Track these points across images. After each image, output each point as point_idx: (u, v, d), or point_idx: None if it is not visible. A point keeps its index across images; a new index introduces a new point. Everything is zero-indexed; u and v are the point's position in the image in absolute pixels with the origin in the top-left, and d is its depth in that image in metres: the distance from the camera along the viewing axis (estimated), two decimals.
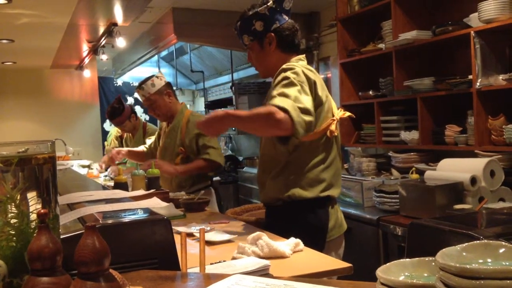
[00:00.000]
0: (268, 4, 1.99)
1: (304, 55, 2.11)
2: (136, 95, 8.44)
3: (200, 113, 3.43)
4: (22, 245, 0.90)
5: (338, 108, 2.09)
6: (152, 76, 3.20)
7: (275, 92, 1.83)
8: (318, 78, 1.99)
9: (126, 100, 8.08)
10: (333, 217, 2.00)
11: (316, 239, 1.88)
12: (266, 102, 1.92)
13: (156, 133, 3.49)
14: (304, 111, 1.78)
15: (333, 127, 1.97)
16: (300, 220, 1.95)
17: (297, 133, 1.76)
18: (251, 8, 2.03)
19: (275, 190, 1.98)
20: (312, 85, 1.92)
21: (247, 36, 2.04)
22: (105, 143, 5.22)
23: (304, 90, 1.85)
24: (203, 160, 2.98)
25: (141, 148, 3.55)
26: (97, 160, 6.38)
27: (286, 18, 2.05)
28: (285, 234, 1.74)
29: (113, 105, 4.44)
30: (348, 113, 2.10)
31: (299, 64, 1.98)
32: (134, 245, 1.11)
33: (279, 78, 1.89)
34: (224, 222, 2.14)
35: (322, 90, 1.96)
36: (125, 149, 3.50)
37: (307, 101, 1.82)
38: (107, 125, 7.60)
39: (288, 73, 1.88)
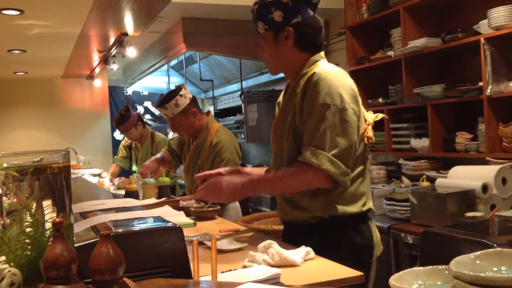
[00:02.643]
0: None
1: (323, 52, 1.85)
2: (146, 104, 8.51)
3: (222, 125, 3.14)
4: (37, 253, 0.91)
5: (367, 111, 1.86)
6: (176, 93, 2.93)
7: (315, 140, 1.62)
8: (352, 83, 1.75)
9: (136, 109, 8.14)
10: (374, 233, 1.82)
11: (363, 259, 1.74)
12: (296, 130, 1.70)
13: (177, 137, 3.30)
14: (344, 157, 1.65)
15: (369, 133, 1.75)
16: (343, 239, 1.74)
17: (344, 184, 1.67)
18: None
19: (315, 210, 1.75)
20: (358, 102, 1.72)
21: (262, 24, 1.75)
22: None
23: (343, 121, 1.65)
24: None
25: (161, 154, 3.31)
26: (107, 169, 6.44)
27: (311, 13, 1.75)
28: (324, 254, 1.59)
29: (120, 112, 4.49)
30: (381, 115, 1.83)
31: (329, 69, 1.72)
32: (147, 254, 1.12)
33: (319, 103, 1.63)
34: (234, 231, 2.14)
35: (359, 99, 1.75)
36: (151, 162, 3.18)
37: (347, 142, 1.65)
38: (117, 134, 7.65)
39: (324, 97, 1.63)
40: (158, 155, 3.25)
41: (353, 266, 1.48)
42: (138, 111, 8.16)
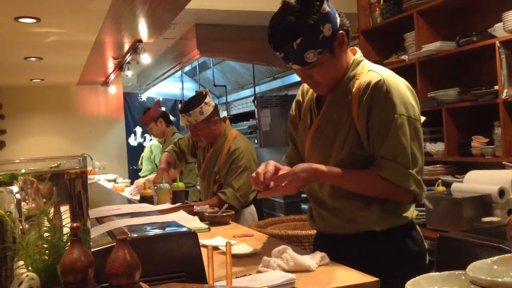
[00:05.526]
0: None
1: (358, 50, 1.74)
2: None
3: (241, 134, 3.11)
4: (54, 258, 0.92)
5: None
6: (201, 101, 2.89)
7: (399, 157, 1.52)
8: (410, 86, 1.65)
9: None
10: (423, 238, 1.75)
11: (419, 266, 1.65)
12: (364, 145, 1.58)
13: (190, 136, 3.22)
14: (422, 172, 1.59)
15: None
16: (399, 248, 1.65)
17: (421, 201, 1.63)
18: (298, 13, 1.50)
19: (368, 223, 1.63)
20: (418, 104, 1.64)
21: (314, 50, 1.52)
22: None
23: (417, 132, 1.58)
24: (218, 199, 2.86)
25: (166, 159, 3.23)
26: (122, 174, 6.50)
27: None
28: (377, 265, 1.51)
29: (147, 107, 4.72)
30: (423, 118, 1.73)
31: (389, 73, 1.60)
32: (162, 258, 1.12)
33: (396, 115, 1.52)
34: (248, 235, 2.14)
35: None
36: (160, 171, 3.13)
37: (422, 155, 1.59)
38: (132, 139, 7.72)
39: (400, 108, 1.52)
40: (164, 164, 3.18)
41: (410, 275, 1.42)
42: None
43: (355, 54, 1.69)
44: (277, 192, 1.58)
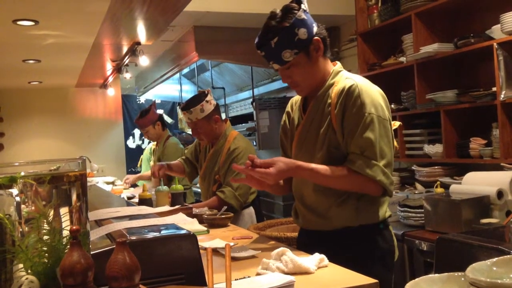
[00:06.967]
0: (302, 6, 1.74)
1: (339, 62, 1.94)
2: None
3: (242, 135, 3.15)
4: (54, 261, 0.92)
5: None
6: (202, 99, 2.95)
7: (367, 151, 1.68)
8: (383, 93, 1.83)
9: None
10: (394, 237, 1.88)
11: (387, 263, 1.81)
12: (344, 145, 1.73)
13: (194, 144, 3.32)
14: (390, 166, 1.74)
15: (395, 142, 1.83)
16: (370, 245, 1.79)
17: (391, 194, 1.76)
18: (278, 19, 1.73)
19: (344, 219, 1.78)
20: (389, 110, 1.79)
21: (290, 50, 1.72)
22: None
23: (387, 130, 1.74)
24: (217, 199, 2.87)
25: (177, 161, 3.35)
26: (120, 176, 6.50)
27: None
28: (348, 261, 1.58)
29: (143, 108, 4.66)
30: (398, 123, 1.91)
31: (363, 80, 1.79)
32: (162, 261, 1.12)
33: (366, 113, 1.69)
34: (247, 238, 2.14)
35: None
36: (165, 163, 3.24)
37: (391, 151, 1.75)
38: (130, 142, 7.70)
39: (369, 108, 1.69)
40: (172, 163, 3.27)
41: (379, 271, 1.54)
42: None
43: (335, 66, 1.88)
44: (253, 181, 1.87)
